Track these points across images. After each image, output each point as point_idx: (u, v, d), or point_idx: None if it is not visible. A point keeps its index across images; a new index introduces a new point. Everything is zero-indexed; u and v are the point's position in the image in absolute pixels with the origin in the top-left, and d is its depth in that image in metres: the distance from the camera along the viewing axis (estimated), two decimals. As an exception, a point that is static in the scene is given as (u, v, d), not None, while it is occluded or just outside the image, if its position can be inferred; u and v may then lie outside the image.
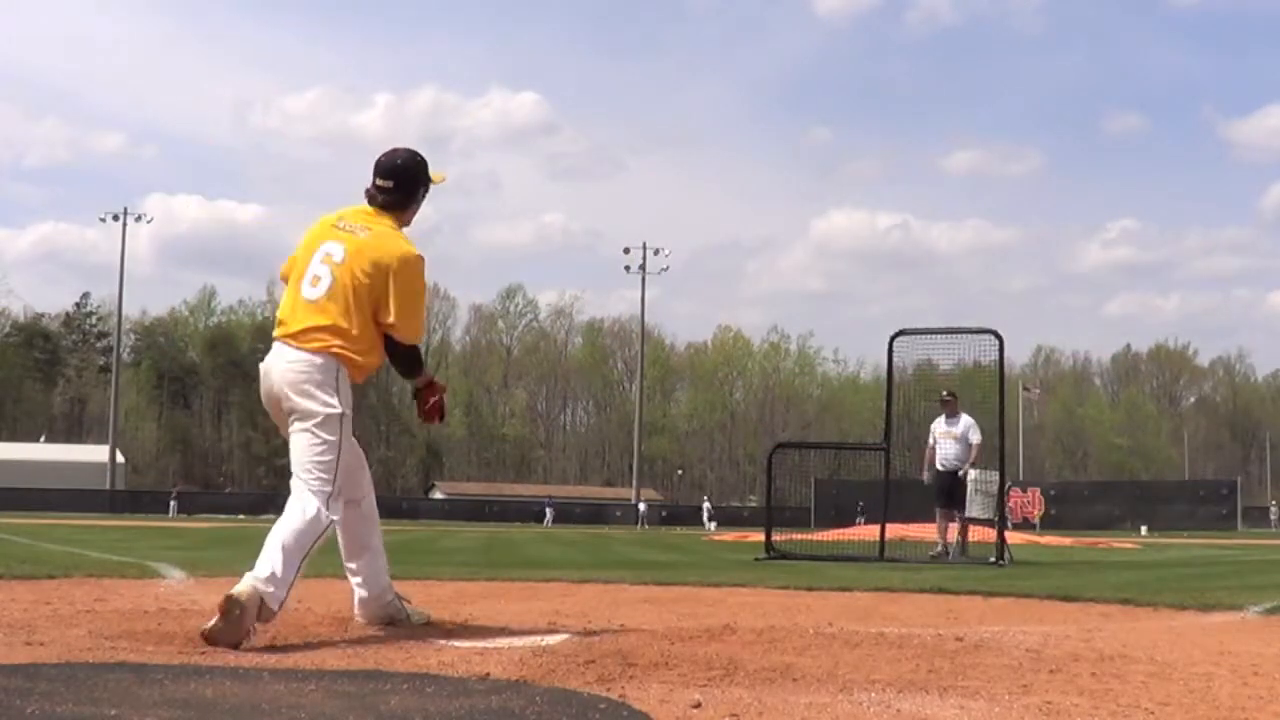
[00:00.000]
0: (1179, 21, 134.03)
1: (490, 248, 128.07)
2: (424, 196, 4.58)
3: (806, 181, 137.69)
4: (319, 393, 4.25)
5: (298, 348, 4.29)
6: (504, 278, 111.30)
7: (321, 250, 4.38)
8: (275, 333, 4.41)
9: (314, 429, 4.26)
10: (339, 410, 4.27)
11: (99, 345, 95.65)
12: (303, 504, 4.23)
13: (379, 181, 4.47)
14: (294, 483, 4.30)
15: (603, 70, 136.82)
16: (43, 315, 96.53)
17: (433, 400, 4.65)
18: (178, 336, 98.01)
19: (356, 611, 4.67)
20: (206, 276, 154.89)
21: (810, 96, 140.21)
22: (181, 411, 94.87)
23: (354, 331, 4.29)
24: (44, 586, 6.50)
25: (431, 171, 4.59)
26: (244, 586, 3.97)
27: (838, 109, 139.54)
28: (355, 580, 4.63)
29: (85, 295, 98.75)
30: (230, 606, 3.90)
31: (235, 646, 3.87)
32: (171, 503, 56.63)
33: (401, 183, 4.49)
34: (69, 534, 18.46)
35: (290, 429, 4.33)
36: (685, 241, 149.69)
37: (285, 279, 4.54)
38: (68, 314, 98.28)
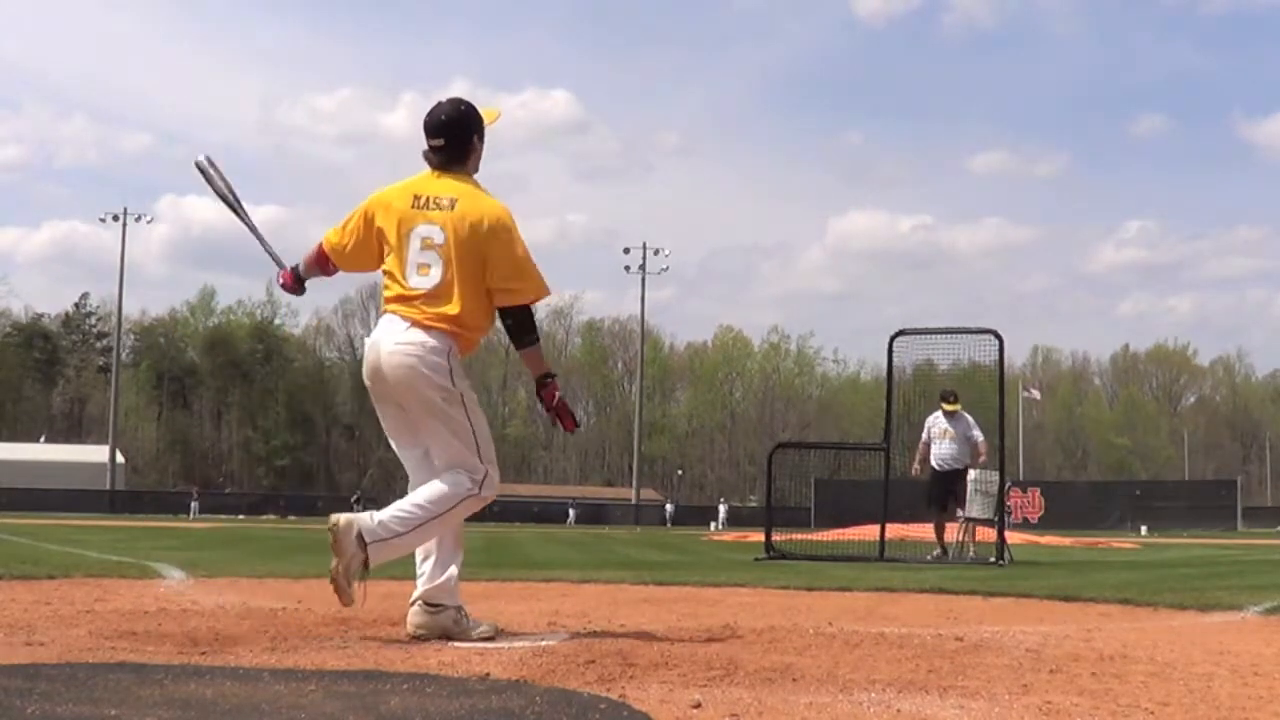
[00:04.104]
0: (1208, 22, 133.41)
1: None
2: (482, 140, 4.46)
3: (829, 182, 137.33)
4: (435, 376, 4.21)
5: (418, 327, 4.24)
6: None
7: (416, 235, 4.28)
8: (392, 309, 4.32)
9: (446, 409, 4.25)
10: (457, 390, 4.25)
11: (98, 345, 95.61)
12: (450, 478, 4.26)
13: (431, 142, 4.38)
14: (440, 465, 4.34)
15: (630, 69, 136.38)
16: (42, 315, 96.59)
17: (556, 399, 4.43)
18: (177, 337, 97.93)
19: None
20: (219, 278, 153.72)
21: (839, 98, 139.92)
22: (181, 412, 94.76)
23: (468, 307, 4.26)
24: (44, 586, 6.50)
25: (482, 110, 4.49)
26: (345, 516, 4.12)
27: (866, 110, 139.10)
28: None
29: (84, 295, 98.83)
30: (330, 532, 4.09)
31: (342, 584, 4.05)
32: (193, 504, 56.15)
33: (452, 137, 4.38)
34: (69, 534, 18.45)
35: (414, 414, 4.30)
36: (706, 242, 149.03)
37: (335, 250, 4.48)
38: (67, 314, 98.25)
